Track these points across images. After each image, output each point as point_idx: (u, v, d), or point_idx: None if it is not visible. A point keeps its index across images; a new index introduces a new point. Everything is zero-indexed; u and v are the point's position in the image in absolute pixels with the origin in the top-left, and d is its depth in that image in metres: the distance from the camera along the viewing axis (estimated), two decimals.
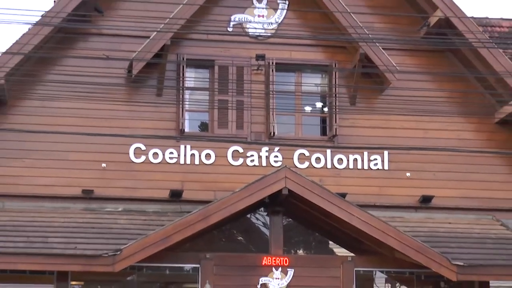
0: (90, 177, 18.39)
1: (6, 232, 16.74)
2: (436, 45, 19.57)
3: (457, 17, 19.17)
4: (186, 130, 19.15)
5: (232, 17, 19.52)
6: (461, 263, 16.64)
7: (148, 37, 18.34)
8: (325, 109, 19.97)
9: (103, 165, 18.52)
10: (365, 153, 19.31)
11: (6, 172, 18.06)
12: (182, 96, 19.16)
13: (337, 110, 19.47)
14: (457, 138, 19.51)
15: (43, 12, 18.04)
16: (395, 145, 19.02)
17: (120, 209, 18.31)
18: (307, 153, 19.16)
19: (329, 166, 19.18)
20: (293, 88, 19.92)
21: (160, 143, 18.70)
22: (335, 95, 19.54)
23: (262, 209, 17.60)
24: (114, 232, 17.12)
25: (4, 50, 17.63)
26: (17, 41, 17.79)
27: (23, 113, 18.41)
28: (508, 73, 19.00)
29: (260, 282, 16.83)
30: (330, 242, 18.43)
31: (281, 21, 19.68)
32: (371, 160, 19.37)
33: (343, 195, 17.36)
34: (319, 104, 20.25)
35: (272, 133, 19.17)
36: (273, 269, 16.88)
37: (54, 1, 18.34)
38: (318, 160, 19.17)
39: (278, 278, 16.85)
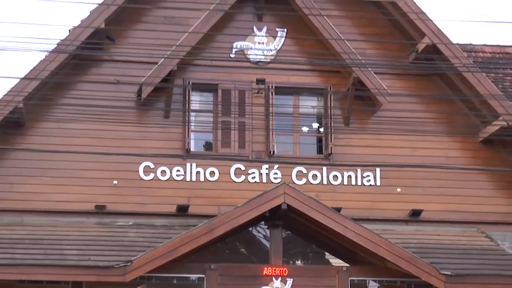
0: (102, 193, 18.37)
1: (24, 245, 16.75)
2: (424, 70, 19.60)
3: (443, 44, 19.19)
4: (192, 149, 19.11)
5: (234, 44, 19.54)
6: (449, 273, 16.60)
7: (156, 63, 18.37)
8: (321, 129, 19.91)
9: (115, 182, 18.50)
10: (359, 170, 19.25)
11: (25, 189, 18.08)
12: (188, 117, 19.19)
13: (332, 130, 19.47)
14: (444, 156, 19.49)
15: (59, 41, 18.08)
16: (387, 162, 19.02)
17: (130, 223, 18.31)
18: (304, 170, 19.16)
19: (325, 182, 19.15)
20: (291, 110, 19.96)
21: (167, 162, 18.66)
22: (330, 116, 19.54)
23: (262, 222, 17.52)
24: (125, 244, 17.11)
25: (22, 76, 17.72)
26: (34, 67, 17.81)
27: (40, 134, 18.37)
28: (491, 96, 19.03)
29: None
30: (326, 253, 18.33)
31: (280, 48, 19.70)
32: (364, 177, 19.31)
33: (338, 210, 17.35)
34: (315, 125, 20.17)
35: (271, 152, 19.13)
36: (273, 278, 16.83)
37: (69, 30, 18.36)
38: (314, 176, 19.15)
39: (278, 287, 16.87)
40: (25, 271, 16.05)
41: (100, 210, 18.34)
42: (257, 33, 19.66)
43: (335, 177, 19.22)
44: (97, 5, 18.30)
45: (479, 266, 17.63)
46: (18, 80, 17.66)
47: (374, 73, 19.07)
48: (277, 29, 19.71)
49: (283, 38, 19.71)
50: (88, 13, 18.47)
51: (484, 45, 24.06)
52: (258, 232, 17.92)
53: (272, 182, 18.43)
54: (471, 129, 19.75)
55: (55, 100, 18.58)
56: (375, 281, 18.27)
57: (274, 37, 19.70)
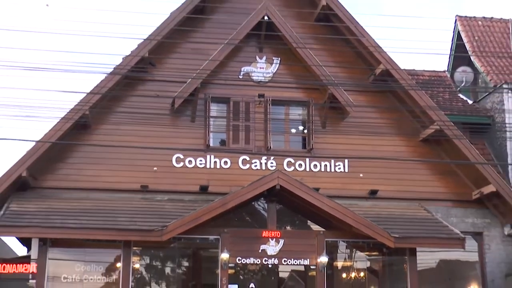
0: (145, 176, 18.41)
1: (89, 214, 16.86)
2: (380, 88, 19.61)
3: (394, 69, 19.28)
4: (211, 145, 19.11)
5: (242, 69, 19.52)
6: (397, 235, 16.74)
7: (185, 82, 18.43)
8: (305, 131, 19.85)
9: (155, 168, 18.52)
10: (332, 161, 19.27)
11: (89, 173, 18.13)
12: (208, 122, 19.17)
13: (313, 131, 19.48)
14: (394, 151, 19.42)
15: (115, 65, 18.26)
16: (353, 155, 19.06)
17: (166, 199, 18.31)
18: (292, 161, 19.17)
19: (307, 169, 19.16)
20: (283, 117, 19.89)
21: (193, 154, 18.72)
22: (312, 121, 19.52)
23: (262, 198, 17.48)
24: (162, 214, 17.11)
25: (88, 91, 17.83)
26: (97, 84, 17.92)
27: (101, 133, 18.53)
28: (428, 107, 19.12)
29: (261, 248, 16.84)
30: (308, 221, 18.37)
31: (275, 71, 19.67)
32: (336, 166, 19.32)
33: (317, 189, 17.37)
34: (300, 127, 20.14)
35: (269, 147, 19.17)
36: (270, 239, 16.91)
37: (123, 58, 18.43)
38: (300, 165, 19.16)
39: (273, 246, 16.87)
40: (90, 233, 16.29)
41: (144, 189, 18.36)
42: (259, 60, 19.65)
43: (315, 165, 19.23)
44: (142, 40, 18.40)
45: (419, 230, 17.72)
46: (85, 94, 17.76)
47: (344, 90, 19.09)
48: (273, 58, 19.66)
49: (278, 64, 19.67)
50: (136, 46, 18.52)
51: (424, 70, 24.16)
52: (259, 205, 17.89)
53: (269, 169, 18.43)
54: (414, 131, 19.77)
55: (112, 109, 18.64)
56: (343, 241, 18.41)
57: (271, 63, 19.66)
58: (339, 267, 19.40)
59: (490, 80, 22.35)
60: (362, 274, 19.60)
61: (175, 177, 18.64)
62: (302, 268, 19.02)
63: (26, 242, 18.32)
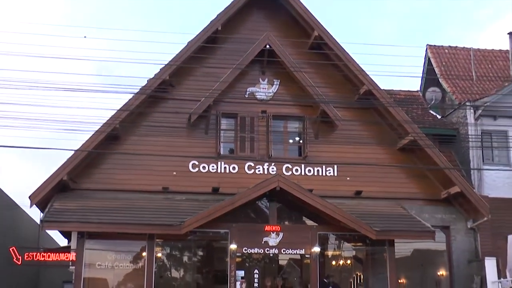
0: (167, 180, 18.39)
1: (119, 211, 16.92)
2: (363, 105, 19.56)
3: (375, 89, 19.33)
4: (221, 153, 19.04)
5: (247, 89, 19.50)
6: (378, 229, 16.81)
7: (199, 100, 18.46)
8: (301, 141, 19.81)
9: (174, 173, 18.49)
10: (323, 166, 19.23)
11: (120, 177, 18.16)
12: (219, 134, 19.13)
13: (307, 141, 19.47)
14: (375, 158, 19.39)
15: (141, 86, 18.26)
16: (341, 162, 19.03)
17: (183, 198, 18.26)
18: (290, 166, 19.09)
19: (303, 174, 19.10)
20: (282, 129, 19.80)
21: (206, 161, 18.71)
22: (306, 133, 19.52)
23: (264, 198, 17.45)
24: (180, 211, 17.12)
25: (119, 108, 17.88)
26: (126, 103, 17.97)
27: (129, 143, 18.52)
28: (404, 121, 19.19)
29: (264, 240, 16.84)
30: (304, 217, 18.29)
31: (276, 91, 19.61)
32: (327, 170, 19.28)
33: (311, 190, 17.43)
34: (297, 138, 20.06)
35: (270, 155, 19.13)
36: (271, 233, 16.93)
37: (147, 80, 18.44)
38: (296, 170, 19.10)
39: (274, 238, 16.88)
40: (120, 227, 16.39)
41: (165, 190, 18.34)
42: (262, 82, 19.61)
43: (309, 170, 19.19)
44: (164, 65, 18.43)
45: (397, 225, 17.80)
46: (116, 111, 17.79)
47: (333, 106, 19.13)
48: (273, 79, 19.62)
49: (277, 85, 19.62)
50: (159, 70, 18.54)
51: (400, 90, 24.17)
52: (262, 204, 17.83)
53: (270, 174, 18.39)
54: (392, 141, 19.72)
55: (138, 123, 18.62)
56: (333, 234, 18.43)
57: (272, 84, 19.62)
58: (330, 256, 19.39)
59: (455, 98, 22.42)
60: (348, 261, 19.72)
61: (191, 180, 18.60)
62: (298, 257, 19.03)
63: (66, 234, 18.34)
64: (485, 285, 18.47)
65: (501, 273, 18.41)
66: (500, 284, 18.22)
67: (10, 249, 16.94)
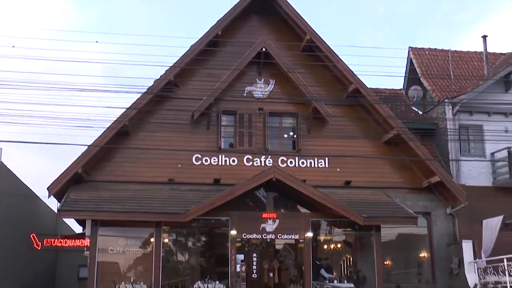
0: (172, 172, 18.34)
1: (129, 201, 16.93)
2: (352, 102, 19.53)
3: (362, 88, 19.29)
4: (222, 147, 18.99)
5: (246, 88, 19.41)
6: (365, 215, 16.79)
7: (202, 99, 18.37)
8: (294, 136, 19.73)
9: (179, 165, 18.43)
10: (316, 158, 19.18)
11: (129, 169, 18.13)
12: (220, 129, 19.07)
13: (300, 136, 19.41)
14: (363, 150, 19.26)
15: (148, 86, 18.22)
16: (331, 154, 18.95)
17: (188, 189, 18.19)
18: (285, 159, 19.06)
19: (296, 165, 19.03)
20: (278, 125, 19.76)
21: (208, 154, 18.66)
22: (299, 128, 19.47)
23: (262, 188, 17.45)
24: (185, 200, 17.07)
25: (128, 107, 17.84)
26: (134, 102, 17.91)
27: (138, 139, 18.42)
28: (389, 116, 19.18)
29: (261, 226, 16.78)
30: (298, 205, 18.19)
31: (272, 90, 19.52)
32: (319, 162, 19.22)
33: (304, 181, 17.41)
34: (291, 133, 19.97)
35: (267, 149, 19.09)
36: (268, 219, 16.87)
37: (154, 81, 18.32)
38: (291, 162, 19.06)
39: (271, 224, 16.82)
40: (130, 215, 16.34)
41: (171, 182, 18.28)
42: (258, 82, 19.52)
43: (302, 162, 19.13)
44: (169, 67, 18.38)
45: (382, 211, 17.77)
46: (125, 109, 17.74)
47: (324, 104, 19.07)
48: (269, 80, 19.53)
49: (273, 85, 19.54)
50: (164, 71, 18.49)
51: (385, 88, 24.01)
52: (259, 193, 17.76)
53: (267, 166, 18.30)
54: (378, 135, 19.69)
55: (146, 120, 18.54)
56: (325, 220, 18.38)
57: (268, 84, 19.54)
58: (322, 240, 19.42)
59: (435, 96, 22.38)
60: (339, 245, 19.76)
61: (194, 172, 18.54)
62: (293, 242, 19.09)
63: (81, 222, 18.29)
64: (462, 265, 18.51)
65: (476, 254, 18.49)
66: (475, 264, 18.33)
67: (31, 236, 17.00)
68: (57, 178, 17.06)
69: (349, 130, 19.46)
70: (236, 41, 19.36)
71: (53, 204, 21.96)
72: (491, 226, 18.28)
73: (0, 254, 18.03)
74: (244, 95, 19.39)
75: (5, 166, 18.96)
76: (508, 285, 16.60)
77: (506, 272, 16.69)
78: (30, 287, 21.64)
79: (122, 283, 16.08)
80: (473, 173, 20.46)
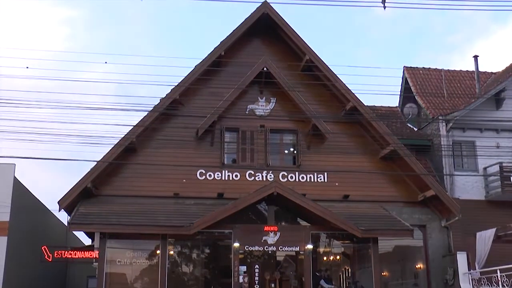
0: (177, 186, 18.32)
1: (136, 214, 16.87)
2: (350, 120, 19.53)
3: (360, 105, 19.29)
4: (225, 162, 18.98)
5: (248, 106, 19.45)
6: (363, 228, 16.76)
7: (205, 116, 18.43)
8: (295, 152, 19.70)
9: (184, 180, 18.41)
10: (315, 173, 19.13)
11: (136, 184, 18.13)
12: (223, 146, 19.06)
13: (300, 151, 19.40)
14: (360, 165, 19.32)
15: (154, 105, 18.24)
16: (330, 169, 19.02)
17: (192, 203, 18.17)
18: (286, 174, 19.04)
19: (297, 180, 18.98)
20: (278, 141, 19.73)
21: (212, 169, 18.62)
22: (299, 144, 19.45)
23: (263, 202, 17.41)
24: (189, 214, 17.03)
25: (135, 124, 17.88)
26: (141, 119, 17.96)
27: (144, 155, 18.45)
28: (385, 133, 19.17)
29: (263, 239, 16.77)
30: (298, 219, 18.17)
31: (273, 108, 19.55)
32: (318, 177, 19.17)
33: (304, 195, 17.37)
34: (291, 149, 19.91)
35: (268, 164, 19.08)
36: (269, 232, 16.85)
37: (160, 100, 18.40)
38: (291, 177, 19.03)
39: (272, 237, 16.79)
40: (137, 228, 16.35)
41: (176, 196, 18.25)
42: (260, 100, 19.56)
43: (302, 177, 19.10)
44: (174, 86, 18.42)
45: (380, 224, 17.69)
46: (132, 127, 17.80)
47: (323, 121, 19.09)
48: (270, 98, 19.55)
49: (274, 103, 19.55)
50: (170, 90, 18.52)
51: (381, 106, 24.09)
52: (261, 207, 17.75)
53: (268, 180, 18.30)
54: (375, 151, 19.69)
55: (152, 137, 18.56)
56: (324, 233, 18.30)
57: (269, 102, 19.57)
58: (321, 252, 19.28)
59: (429, 113, 22.41)
60: (338, 257, 19.70)
61: (199, 187, 18.53)
62: (293, 253, 18.91)
63: (90, 235, 18.26)
64: (457, 276, 18.46)
65: (470, 266, 18.45)
66: (470, 275, 18.30)
67: (42, 248, 17.02)
68: (67, 192, 17.07)
69: (347, 146, 19.46)
70: (239, 61, 19.44)
71: (64, 217, 21.98)
72: (485, 238, 18.21)
73: (13, 265, 18.02)
74: (246, 112, 19.43)
75: (18, 181, 19.01)
76: None
77: (500, 283, 16.65)
78: None
79: None
80: (467, 187, 20.47)
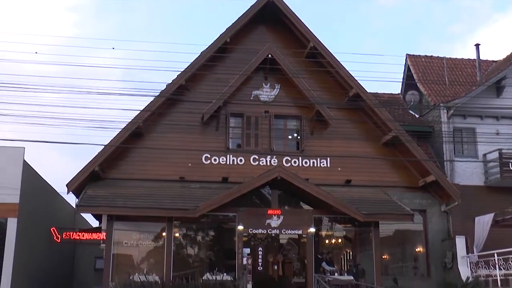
0: (183, 170, 18.25)
1: (143, 197, 16.79)
2: (352, 106, 19.37)
3: (362, 92, 19.17)
4: (230, 147, 18.89)
5: (252, 92, 19.32)
6: (365, 212, 16.71)
7: (211, 102, 18.33)
8: (298, 137, 19.61)
9: (189, 164, 18.33)
10: (318, 158, 19.03)
11: (143, 168, 18.05)
12: (228, 131, 18.98)
13: (304, 137, 19.31)
14: (363, 151, 19.22)
15: (160, 90, 18.13)
16: (333, 155, 18.88)
17: (198, 186, 18.11)
18: (289, 158, 18.95)
19: (300, 165, 18.89)
20: (282, 127, 19.60)
21: (217, 154, 18.56)
22: (303, 130, 19.37)
23: (267, 186, 17.29)
24: (195, 197, 16.91)
25: (142, 109, 17.79)
26: (148, 104, 17.87)
27: (151, 139, 18.35)
28: (387, 120, 19.04)
29: (266, 222, 16.71)
30: (301, 203, 18.05)
31: (277, 94, 19.42)
32: (321, 162, 19.06)
33: (307, 179, 17.32)
34: (295, 135, 19.80)
35: (272, 149, 19.00)
36: (273, 215, 16.78)
37: (166, 85, 18.24)
38: (295, 162, 18.92)
39: (275, 220, 16.75)
40: (143, 211, 16.28)
41: (182, 179, 18.20)
42: (265, 86, 19.42)
43: (306, 162, 19.00)
44: (180, 72, 18.31)
45: (381, 209, 17.61)
46: (139, 111, 17.73)
47: (326, 107, 18.98)
48: (275, 84, 19.43)
49: (278, 89, 19.44)
50: (176, 76, 18.38)
51: (384, 93, 23.89)
52: (265, 191, 17.63)
53: (272, 165, 18.21)
54: (377, 137, 19.55)
55: (158, 121, 18.47)
56: (326, 217, 18.13)
57: (274, 88, 19.44)
58: (323, 235, 19.22)
59: (431, 100, 22.20)
60: (339, 240, 19.65)
61: (204, 171, 18.46)
62: (296, 236, 19.00)
63: (98, 217, 18.22)
64: (455, 259, 18.46)
65: (469, 249, 18.45)
66: (468, 258, 18.30)
67: (51, 229, 17.01)
68: (76, 175, 17.05)
69: (349, 132, 19.33)
70: (244, 48, 19.27)
71: (72, 200, 21.91)
72: (483, 223, 18.18)
73: (23, 246, 17.99)
74: (251, 98, 19.29)
75: (28, 164, 18.92)
76: (498, 278, 16.59)
77: (497, 266, 16.71)
78: (51, 277, 21.59)
79: (136, 274, 16.00)
80: (466, 173, 20.30)
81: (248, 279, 16.09)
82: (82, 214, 21.90)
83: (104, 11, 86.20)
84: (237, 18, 19.15)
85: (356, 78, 19.18)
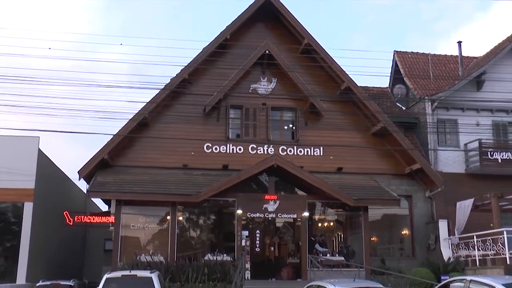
0: (186, 158, 18.22)
1: (149, 183, 16.81)
2: (344, 98, 19.32)
3: (353, 86, 19.11)
4: (230, 137, 18.82)
5: (251, 86, 19.24)
6: (355, 197, 16.76)
7: (212, 95, 18.25)
8: (293, 128, 19.52)
9: (192, 153, 18.30)
10: (312, 148, 19.01)
11: (149, 156, 18.03)
12: (228, 121, 18.90)
13: (298, 127, 19.24)
14: (353, 141, 19.19)
15: (165, 83, 18.08)
16: (326, 144, 18.88)
17: (199, 174, 18.08)
18: (285, 147, 18.91)
19: (295, 154, 18.86)
20: (279, 118, 19.52)
21: (218, 143, 18.50)
22: (298, 121, 19.28)
23: (264, 173, 17.23)
24: (197, 184, 16.99)
25: (148, 101, 17.74)
26: (154, 96, 17.83)
27: (156, 129, 18.31)
28: (376, 111, 19.01)
29: (264, 206, 16.74)
30: (296, 188, 17.88)
31: (274, 87, 19.34)
32: (315, 151, 19.03)
33: (301, 167, 17.30)
34: (290, 125, 19.70)
35: (269, 139, 18.93)
36: (270, 201, 16.83)
37: (170, 79, 18.15)
38: (290, 151, 18.89)
39: (272, 205, 16.79)
40: (149, 196, 16.25)
41: (185, 167, 18.18)
42: (262, 80, 19.33)
43: (300, 151, 18.98)
44: (184, 66, 18.21)
45: (370, 194, 17.65)
46: (145, 103, 17.65)
47: (320, 100, 18.92)
48: (272, 78, 19.37)
49: (275, 83, 19.36)
50: (180, 70, 18.29)
51: (373, 87, 23.76)
52: (262, 178, 17.57)
53: (269, 154, 18.17)
54: (366, 127, 19.55)
55: (163, 113, 18.40)
56: (319, 202, 18.10)
57: (271, 82, 19.36)
58: (316, 219, 19.18)
59: (417, 93, 22.14)
60: (331, 224, 19.61)
61: (205, 159, 18.43)
62: (291, 220, 18.98)
63: (107, 202, 18.23)
64: (438, 241, 18.57)
65: (450, 232, 18.58)
66: (450, 240, 18.44)
67: (64, 213, 16.98)
68: (86, 163, 17.03)
69: (341, 123, 19.28)
70: (243, 44, 19.17)
71: (83, 185, 21.93)
72: (464, 207, 18.29)
73: (38, 228, 18.03)
74: (250, 91, 19.21)
75: (42, 152, 18.91)
76: (477, 258, 16.81)
77: (475, 247, 16.88)
78: (64, 257, 21.63)
79: (142, 254, 16.05)
80: (449, 161, 20.29)
81: (246, 259, 16.08)
82: (93, 199, 21.91)
83: (113, 9, 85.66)
84: (237, 16, 19.06)
85: (347, 73, 19.17)
